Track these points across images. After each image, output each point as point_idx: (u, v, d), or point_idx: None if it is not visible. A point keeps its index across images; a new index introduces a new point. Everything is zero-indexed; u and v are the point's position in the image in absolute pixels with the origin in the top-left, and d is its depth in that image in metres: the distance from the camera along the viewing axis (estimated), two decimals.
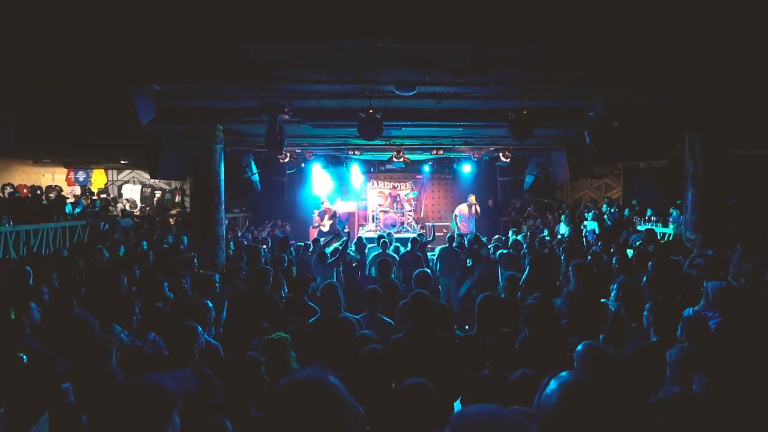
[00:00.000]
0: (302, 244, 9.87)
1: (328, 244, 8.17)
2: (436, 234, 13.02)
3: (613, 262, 5.90)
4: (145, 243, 8.89)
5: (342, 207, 14.95)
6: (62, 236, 9.53)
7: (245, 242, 9.96)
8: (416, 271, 5.16)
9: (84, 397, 2.44)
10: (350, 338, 3.51)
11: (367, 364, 2.93)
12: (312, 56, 4.85)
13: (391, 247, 8.40)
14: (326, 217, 13.61)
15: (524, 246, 8.48)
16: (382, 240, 8.26)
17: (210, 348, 3.50)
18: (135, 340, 3.52)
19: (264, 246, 9.52)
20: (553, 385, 1.36)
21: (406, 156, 11.78)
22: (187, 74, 5.38)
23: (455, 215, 13.23)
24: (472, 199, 13.06)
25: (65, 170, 15.20)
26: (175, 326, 3.25)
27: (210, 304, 3.93)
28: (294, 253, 8.79)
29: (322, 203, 13.97)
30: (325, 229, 13.40)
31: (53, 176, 15.02)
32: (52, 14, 3.69)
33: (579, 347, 2.72)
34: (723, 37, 4.25)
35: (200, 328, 3.15)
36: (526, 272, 5.54)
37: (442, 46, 4.54)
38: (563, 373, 1.38)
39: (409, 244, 8.22)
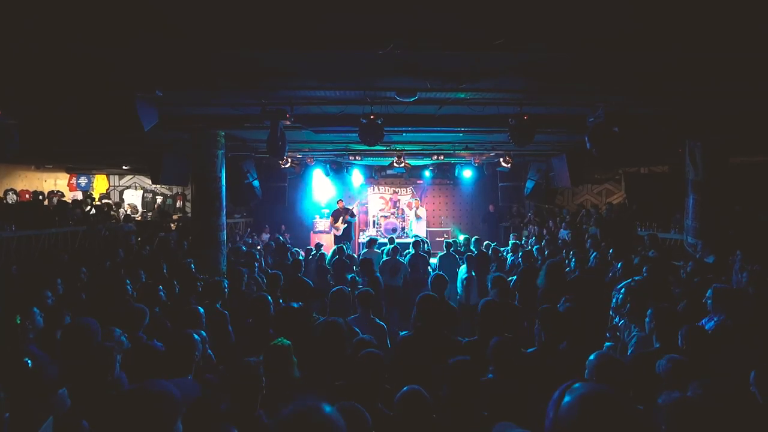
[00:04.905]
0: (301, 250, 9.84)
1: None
2: (436, 239, 13.06)
3: (618, 267, 5.87)
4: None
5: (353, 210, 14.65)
6: (63, 242, 9.54)
7: (244, 248, 9.91)
8: (432, 275, 5.29)
9: (86, 403, 2.44)
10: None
11: (365, 368, 2.93)
12: (313, 63, 4.88)
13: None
14: (341, 219, 12.92)
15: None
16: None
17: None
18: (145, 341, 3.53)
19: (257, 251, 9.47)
20: (568, 397, 1.30)
21: (406, 161, 11.80)
22: (189, 81, 5.41)
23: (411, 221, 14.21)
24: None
25: (67, 176, 15.25)
26: (174, 334, 3.24)
27: (201, 310, 3.96)
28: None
29: (338, 202, 13.54)
30: (339, 233, 12.78)
31: (55, 182, 15.06)
32: (55, 20, 3.73)
33: (591, 357, 2.70)
34: (722, 46, 4.27)
35: (198, 337, 3.12)
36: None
37: (443, 54, 4.57)
38: (576, 385, 1.32)
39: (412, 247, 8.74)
